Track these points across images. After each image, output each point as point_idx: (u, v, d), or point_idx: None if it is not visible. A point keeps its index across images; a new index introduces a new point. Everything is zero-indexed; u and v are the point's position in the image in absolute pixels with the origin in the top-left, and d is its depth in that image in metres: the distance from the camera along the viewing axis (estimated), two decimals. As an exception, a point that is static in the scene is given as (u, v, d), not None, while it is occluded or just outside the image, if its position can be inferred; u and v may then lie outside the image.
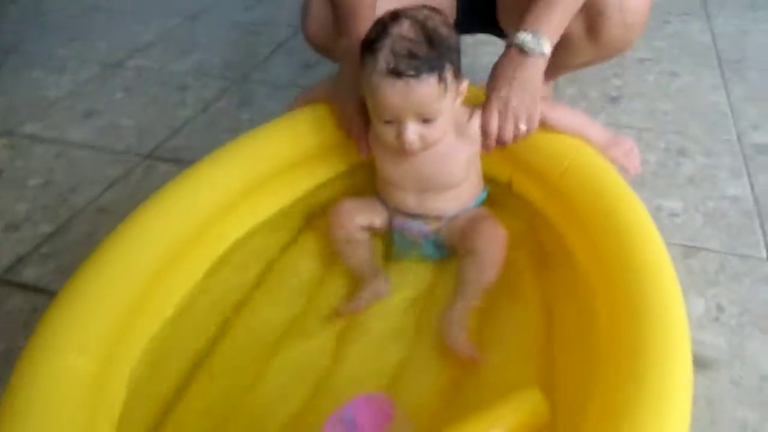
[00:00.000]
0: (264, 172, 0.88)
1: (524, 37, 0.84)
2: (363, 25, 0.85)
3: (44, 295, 0.96)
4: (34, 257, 1.05)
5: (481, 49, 1.54)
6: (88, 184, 1.22)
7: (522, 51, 0.84)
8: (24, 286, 0.98)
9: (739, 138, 1.26)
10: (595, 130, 0.89)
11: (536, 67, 0.85)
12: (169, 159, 1.28)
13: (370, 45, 0.75)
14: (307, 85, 0.99)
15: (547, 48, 0.85)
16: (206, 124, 1.40)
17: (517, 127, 0.85)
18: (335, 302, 0.82)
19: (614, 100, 1.40)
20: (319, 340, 0.78)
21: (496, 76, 0.86)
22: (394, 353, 0.77)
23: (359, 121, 0.88)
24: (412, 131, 0.77)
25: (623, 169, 0.87)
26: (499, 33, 1.13)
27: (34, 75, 1.68)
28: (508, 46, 0.86)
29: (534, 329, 0.76)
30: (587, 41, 0.97)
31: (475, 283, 0.81)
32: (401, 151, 0.80)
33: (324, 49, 1.10)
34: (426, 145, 0.80)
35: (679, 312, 0.61)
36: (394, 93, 0.74)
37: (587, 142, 0.86)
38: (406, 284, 0.85)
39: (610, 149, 0.88)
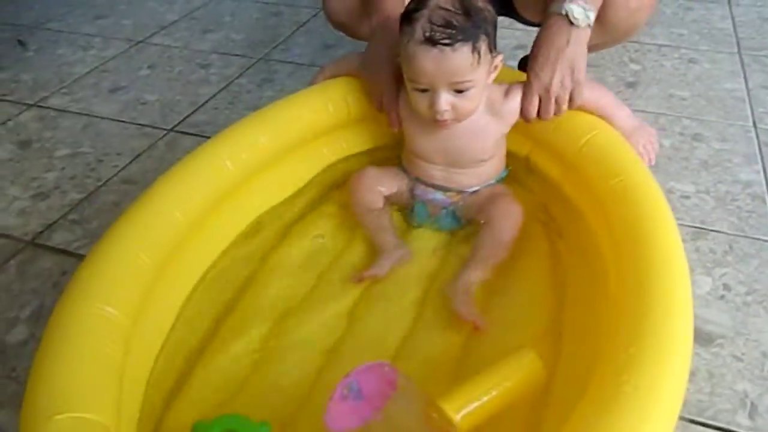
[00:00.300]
0: (289, 143, 0.91)
1: (571, 6, 0.82)
2: (390, 3, 0.87)
3: (73, 258, 1.00)
4: (63, 224, 1.09)
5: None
6: (114, 155, 1.26)
7: (569, 22, 0.83)
8: (53, 250, 1.02)
9: (755, 124, 1.26)
10: (623, 113, 0.90)
11: (583, 39, 0.85)
12: (191, 133, 1.32)
13: (408, 15, 0.79)
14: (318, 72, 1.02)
15: (593, 19, 0.84)
16: (228, 101, 1.43)
17: (558, 110, 0.87)
18: (354, 269, 0.85)
19: (631, 85, 1.41)
20: (336, 307, 0.81)
21: (539, 52, 0.85)
22: (407, 322, 0.80)
23: (391, 94, 0.90)
24: (445, 100, 0.80)
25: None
26: (515, 15, 1.14)
27: (59, 51, 1.72)
28: (551, 16, 0.84)
29: (545, 299, 0.79)
30: (594, 25, 0.98)
31: (488, 254, 0.84)
32: (433, 121, 0.83)
33: (345, 28, 1.12)
34: (458, 115, 0.82)
35: (683, 283, 0.63)
36: (428, 61, 0.77)
37: (611, 124, 0.87)
38: (423, 254, 0.88)
39: (632, 135, 0.90)
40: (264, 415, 0.65)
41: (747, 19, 1.69)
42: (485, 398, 0.62)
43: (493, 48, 0.81)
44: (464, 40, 0.76)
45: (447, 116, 0.82)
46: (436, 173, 0.91)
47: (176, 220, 0.72)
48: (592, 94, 0.88)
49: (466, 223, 0.92)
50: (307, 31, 1.75)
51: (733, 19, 1.69)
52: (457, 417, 0.60)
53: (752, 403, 0.75)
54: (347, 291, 0.83)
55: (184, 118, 1.37)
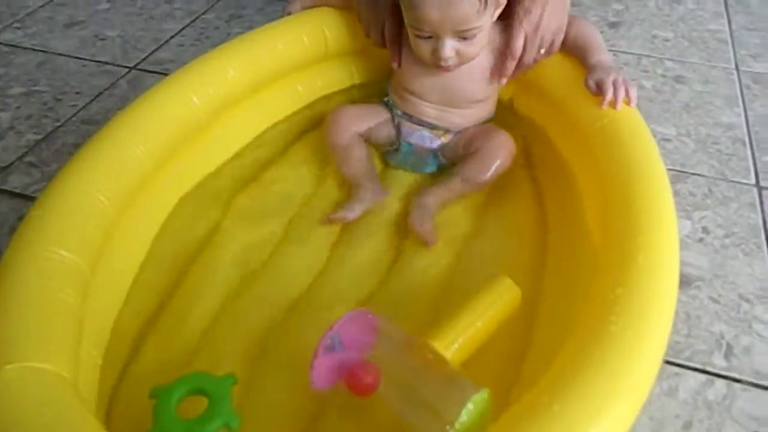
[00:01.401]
0: (260, 78, 0.86)
1: None
2: None
3: (30, 202, 0.94)
4: (19, 166, 1.03)
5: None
6: (73, 94, 1.19)
7: None
8: (9, 194, 0.97)
9: (737, 67, 1.24)
10: (605, 55, 0.87)
11: None
12: (155, 72, 1.24)
13: None
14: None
15: None
16: (194, 38, 1.35)
17: (539, 53, 0.83)
18: (328, 209, 0.82)
19: (614, 25, 1.36)
20: (306, 254, 0.78)
21: None
22: (383, 265, 0.78)
23: (393, 27, 0.85)
24: (450, 47, 0.76)
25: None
26: None
27: (10, -17, 1.60)
28: None
29: (526, 237, 0.78)
30: None
31: (468, 176, 0.82)
32: (436, 65, 0.79)
33: None
34: (462, 60, 0.79)
35: (670, 225, 0.62)
36: (432, 9, 0.73)
37: (590, 59, 0.84)
38: (404, 194, 0.85)
39: (608, 72, 0.86)
40: (231, 364, 0.63)
41: (732, -41, 1.64)
42: (471, 331, 0.61)
43: None
44: None
45: (451, 62, 0.79)
46: (429, 111, 0.87)
47: (137, 157, 0.67)
48: (585, 29, 0.85)
49: (447, 165, 0.89)
50: (278, -35, 1.65)
51: (718, -42, 1.64)
52: (447, 354, 0.59)
53: (728, 344, 0.76)
54: (317, 237, 0.79)
55: (148, 56, 1.29)
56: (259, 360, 0.66)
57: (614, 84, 0.77)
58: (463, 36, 0.76)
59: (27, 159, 1.04)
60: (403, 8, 0.78)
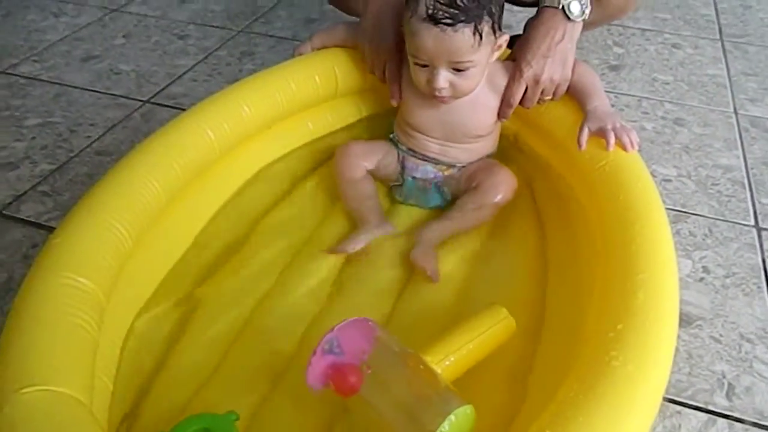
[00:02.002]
0: (273, 114, 0.88)
1: (571, 1, 0.82)
2: None
3: (43, 231, 0.97)
4: (33, 195, 1.05)
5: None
6: (87, 125, 1.22)
7: (565, 16, 0.83)
8: (23, 221, 0.99)
9: (735, 111, 1.27)
10: (605, 100, 0.89)
11: (576, 33, 0.85)
12: (168, 105, 1.28)
13: None
14: (304, 38, 0.99)
15: (588, 13, 0.84)
16: (207, 73, 1.39)
17: (541, 101, 0.86)
18: (334, 242, 0.83)
19: (615, 68, 1.40)
20: (315, 280, 0.79)
21: (531, 42, 0.84)
22: (389, 296, 0.79)
23: (394, 65, 0.88)
24: (444, 77, 0.79)
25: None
26: None
27: (29, 17, 1.65)
28: (546, 8, 0.84)
29: (529, 271, 0.80)
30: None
31: (469, 212, 0.84)
32: (431, 95, 0.82)
33: (342, 4, 1.09)
34: (456, 93, 0.82)
35: (670, 263, 0.63)
36: (429, 38, 0.75)
37: (589, 103, 0.86)
38: (410, 229, 0.87)
39: (607, 117, 0.88)
40: (240, 396, 0.65)
41: (729, 6, 1.70)
42: (463, 351, 0.63)
43: (497, 28, 0.79)
44: (466, 21, 0.74)
45: (445, 93, 0.81)
46: (432, 146, 0.90)
47: (154, 190, 0.69)
48: (585, 74, 0.87)
49: (452, 200, 0.91)
50: (289, 5, 1.71)
51: (715, 5, 1.70)
52: (438, 369, 0.61)
53: (729, 384, 0.76)
54: (323, 268, 0.81)
55: (161, 90, 1.33)
56: (269, 390, 0.67)
57: (614, 131, 0.79)
58: (457, 68, 0.78)
59: (40, 188, 1.06)
60: (405, 35, 0.81)
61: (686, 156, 1.14)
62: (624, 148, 0.78)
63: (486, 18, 0.76)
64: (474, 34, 0.75)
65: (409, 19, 0.78)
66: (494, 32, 0.78)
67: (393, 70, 0.88)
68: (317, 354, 0.59)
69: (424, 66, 0.79)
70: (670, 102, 1.29)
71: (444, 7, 0.74)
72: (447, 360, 0.62)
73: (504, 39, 0.81)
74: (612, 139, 0.78)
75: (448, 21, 0.74)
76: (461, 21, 0.74)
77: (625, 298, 0.58)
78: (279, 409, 0.65)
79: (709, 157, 1.14)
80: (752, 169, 1.11)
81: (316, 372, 0.59)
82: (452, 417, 0.54)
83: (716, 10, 1.68)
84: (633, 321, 0.56)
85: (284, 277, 0.79)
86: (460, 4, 0.74)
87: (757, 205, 1.03)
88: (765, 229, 0.98)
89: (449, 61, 0.78)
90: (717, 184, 1.07)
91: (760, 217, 1.01)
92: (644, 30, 1.56)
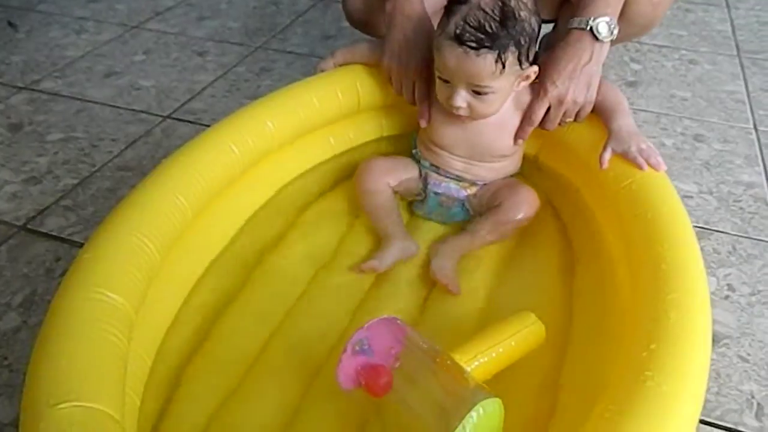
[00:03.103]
0: (297, 130, 0.89)
1: (597, 21, 0.82)
2: None
3: (66, 245, 0.98)
4: (56, 209, 1.06)
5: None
6: (109, 141, 1.23)
7: (594, 37, 0.82)
8: (46, 236, 1.00)
9: (755, 126, 1.26)
10: (630, 119, 0.87)
11: (603, 54, 0.85)
12: (188, 121, 1.29)
13: (450, 6, 0.78)
14: (325, 55, 0.99)
15: (616, 34, 0.83)
16: (225, 89, 1.40)
17: (563, 122, 0.86)
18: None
19: (632, 84, 1.40)
20: (341, 296, 0.80)
21: (558, 62, 0.83)
22: (414, 311, 0.80)
23: (423, 85, 0.88)
24: (462, 97, 0.80)
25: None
26: None
27: (51, 34, 1.68)
28: (574, 29, 0.83)
29: (554, 289, 0.80)
30: None
31: (490, 227, 0.85)
32: (450, 110, 0.82)
33: (366, 26, 1.10)
34: (473, 114, 0.82)
35: (701, 280, 0.63)
36: (452, 57, 0.76)
37: (613, 123, 0.85)
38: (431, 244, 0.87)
39: (631, 138, 0.87)
40: (268, 411, 0.65)
41: (745, 23, 1.70)
42: (492, 353, 0.64)
43: (524, 60, 0.78)
44: (491, 47, 0.75)
45: (462, 112, 0.82)
46: (456, 163, 0.90)
47: (180, 205, 0.70)
48: (609, 92, 0.87)
49: (474, 216, 0.91)
50: (306, 22, 1.72)
51: (731, 22, 1.70)
52: (467, 368, 0.61)
53: (758, 404, 0.75)
54: (348, 285, 0.81)
55: (181, 105, 1.34)
56: (302, 393, 0.68)
57: (640, 153, 0.79)
58: (476, 90, 0.79)
59: (63, 203, 1.07)
60: (434, 49, 0.81)
61: (707, 172, 1.13)
62: (657, 168, 0.78)
63: (512, 48, 0.76)
64: (497, 61, 0.76)
65: (438, 35, 0.79)
66: (520, 63, 0.78)
67: (422, 90, 0.88)
68: (347, 352, 0.60)
69: (446, 82, 0.80)
70: (689, 118, 1.29)
71: (472, 30, 0.74)
72: (476, 361, 0.63)
73: (533, 70, 0.81)
74: (643, 165, 0.77)
75: (473, 45, 0.74)
76: (485, 47, 0.74)
77: (656, 318, 0.57)
78: (316, 404, 0.66)
79: (730, 174, 1.13)
80: (774, 185, 1.10)
81: (346, 371, 0.60)
82: (480, 408, 0.55)
83: (732, 26, 1.68)
84: (666, 341, 0.55)
85: (309, 292, 0.79)
86: (489, 30, 0.74)
87: (781, 223, 1.02)
88: (789, 247, 0.97)
89: (468, 82, 0.78)
90: (739, 201, 1.07)
91: (783, 235, 1.00)
92: (660, 46, 1.56)
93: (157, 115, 1.31)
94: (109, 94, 1.39)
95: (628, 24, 0.96)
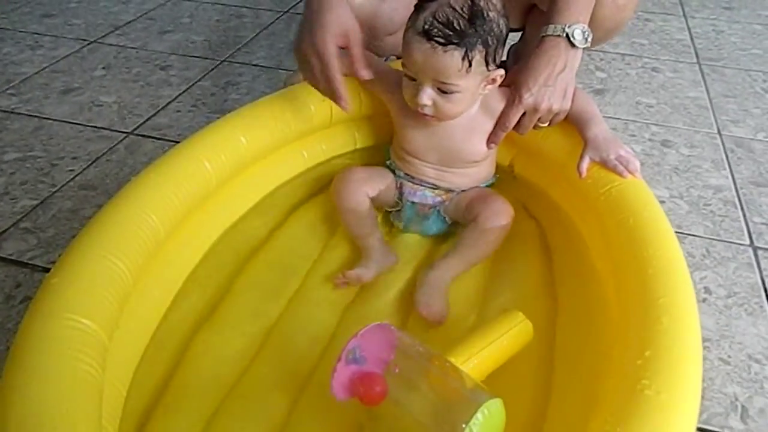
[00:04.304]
0: (270, 144, 0.87)
1: (573, 28, 0.82)
2: None
3: (27, 269, 0.92)
4: (14, 232, 1.00)
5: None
6: (69, 159, 1.18)
7: (569, 44, 0.82)
8: (5, 260, 0.94)
9: (719, 131, 1.29)
10: (603, 126, 0.88)
11: (578, 61, 0.85)
12: (153, 137, 1.25)
13: (420, 3, 0.77)
14: (293, 68, 0.97)
15: (590, 41, 0.84)
16: (191, 104, 1.37)
17: (537, 128, 0.86)
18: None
19: (599, 92, 1.42)
20: (323, 309, 0.78)
21: (533, 69, 0.83)
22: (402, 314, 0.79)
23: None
24: (427, 95, 0.79)
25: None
26: None
27: (5, 50, 1.61)
28: (548, 36, 0.83)
29: (537, 302, 0.78)
30: None
31: (470, 250, 0.82)
32: (415, 108, 0.81)
33: None
34: (438, 114, 0.81)
35: (687, 285, 0.62)
36: (418, 53, 0.76)
37: (588, 130, 0.85)
38: (411, 257, 0.86)
39: (607, 145, 0.85)
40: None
41: (702, 32, 1.75)
42: (484, 354, 0.64)
43: (491, 61, 0.78)
44: (458, 45, 0.74)
45: (427, 111, 0.81)
46: (428, 171, 0.89)
47: (152, 224, 0.66)
48: (582, 99, 0.87)
49: (452, 225, 0.90)
50: (271, 34, 1.70)
51: (689, 30, 1.75)
52: (463, 370, 0.61)
53: (743, 406, 0.76)
54: (329, 298, 0.79)
55: (145, 121, 1.30)
56: (293, 402, 0.66)
57: (619, 161, 0.79)
58: (442, 89, 0.78)
59: (22, 225, 1.02)
60: (402, 44, 0.79)
61: (677, 177, 1.15)
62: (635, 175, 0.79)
63: (479, 47, 0.76)
64: (463, 59, 0.75)
65: (406, 30, 0.78)
66: (487, 64, 0.78)
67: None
68: (341, 362, 0.59)
69: (412, 80, 0.79)
70: (655, 124, 1.31)
71: (440, 26, 0.74)
72: (469, 362, 0.62)
73: (498, 74, 0.81)
74: (624, 172, 0.78)
75: (441, 40, 0.74)
76: (453, 43, 0.74)
77: (649, 324, 0.57)
78: (305, 419, 0.64)
79: (699, 178, 1.15)
80: (741, 189, 1.13)
81: (340, 381, 0.59)
82: (485, 410, 0.54)
83: (690, 34, 1.73)
84: (660, 347, 0.54)
85: (291, 305, 0.77)
86: (457, 27, 0.74)
87: (750, 224, 1.04)
88: (761, 248, 0.99)
89: (435, 79, 0.77)
90: (709, 205, 1.08)
91: (754, 236, 1.02)
92: (624, 55, 1.60)
93: (120, 131, 1.27)
94: (68, 111, 1.34)
95: (594, 28, 0.96)
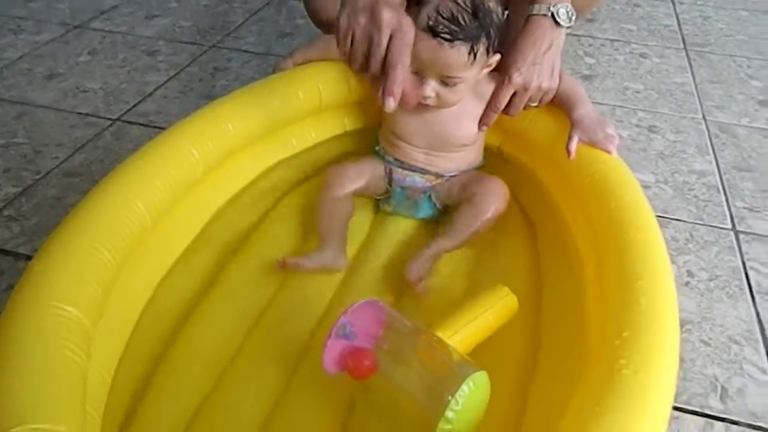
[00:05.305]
0: (258, 131, 0.87)
1: (557, 7, 0.83)
2: None
3: (10, 257, 0.92)
4: (-2, 219, 1.00)
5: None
6: (54, 146, 1.17)
7: (554, 22, 0.83)
8: (-12, 248, 0.94)
9: (704, 117, 1.30)
10: (589, 107, 0.89)
11: (562, 39, 0.85)
12: (140, 123, 1.24)
13: None
14: (282, 54, 0.96)
15: (574, 20, 0.84)
16: (179, 90, 1.36)
17: (528, 107, 0.87)
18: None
19: (587, 77, 1.43)
20: (313, 288, 0.79)
21: (520, 49, 0.84)
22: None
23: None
24: (431, 87, 0.79)
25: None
26: None
27: (-14, 35, 1.59)
28: (533, 16, 0.84)
29: (524, 285, 0.79)
30: None
31: (465, 226, 0.83)
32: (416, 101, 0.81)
33: (331, 25, 1.07)
34: (441, 103, 0.82)
35: (665, 267, 0.63)
36: (425, 49, 0.75)
37: (575, 112, 0.86)
38: (405, 238, 0.87)
39: (595, 126, 0.87)
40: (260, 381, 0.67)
41: (689, 17, 1.75)
42: (470, 327, 0.66)
43: (491, 50, 0.79)
44: (464, 39, 0.75)
45: (430, 102, 0.81)
46: (418, 155, 0.89)
47: (138, 211, 0.66)
48: (567, 81, 0.88)
49: (442, 210, 0.91)
50: (260, 20, 1.69)
51: (677, 16, 1.75)
52: (450, 344, 0.63)
53: (722, 387, 0.77)
54: (315, 285, 0.80)
55: (132, 107, 1.29)
56: (287, 378, 0.67)
57: (607, 139, 0.81)
58: (445, 81, 0.79)
59: (6, 213, 1.01)
60: None
61: (662, 162, 1.16)
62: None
63: (483, 39, 0.77)
64: (470, 53, 0.76)
65: None
66: (488, 53, 0.79)
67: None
68: (332, 338, 0.60)
69: (414, 73, 0.79)
70: (642, 110, 1.32)
71: (445, 22, 0.74)
72: (456, 336, 0.64)
73: (495, 59, 0.82)
74: (613, 151, 0.80)
75: (447, 36, 0.74)
76: (459, 38, 0.75)
77: (627, 306, 0.58)
78: (300, 395, 0.66)
79: (684, 163, 1.16)
80: (725, 174, 1.14)
81: (331, 356, 0.60)
82: (470, 382, 0.56)
83: (678, 20, 1.73)
84: (638, 328, 0.55)
85: (281, 290, 0.78)
86: (462, 22, 0.74)
87: (733, 209, 1.05)
88: (742, 232, 1.01)
89: (440, 73, 0.78)
90: (693, 189, 1.10)
91: (736, 220, 1.03)
92: (612, 40, 1.60)
93: (106, 118, 1.26)
94: (53, 97, 1.32)
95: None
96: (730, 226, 1.02)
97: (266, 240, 0.84)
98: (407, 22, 0.69)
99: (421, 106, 0.83)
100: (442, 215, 0.91)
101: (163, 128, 0.82)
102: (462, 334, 0.64)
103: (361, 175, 0.89)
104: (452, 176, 0.90)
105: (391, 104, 0.68)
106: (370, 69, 0.69)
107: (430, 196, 0.90)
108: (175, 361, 0.68)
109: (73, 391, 0.48)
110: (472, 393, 0.56)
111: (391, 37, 0.67)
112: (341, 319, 0.61)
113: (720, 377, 0.78)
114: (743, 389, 0.77)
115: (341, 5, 0.71)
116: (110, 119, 1.25)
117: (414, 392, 0.58)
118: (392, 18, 0.67)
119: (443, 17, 0.74)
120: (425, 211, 0.91)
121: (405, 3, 0.76)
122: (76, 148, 1.17)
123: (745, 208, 1.06)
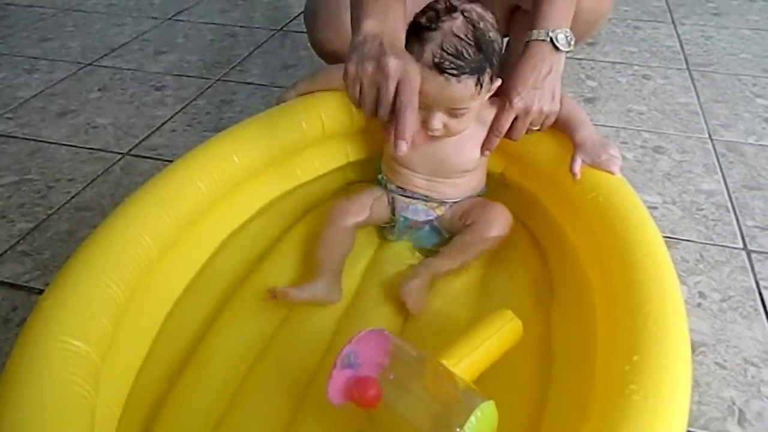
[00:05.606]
0: (263, 162, 0.88)
1: (556, 33, 0.84)
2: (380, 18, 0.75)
3: (23, 292, 0.93)
4: (12, 255, 1.01)
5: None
6: (66, 181, 1.19)
7: (554, 47, 0.84)
8: (1, 284, 0.95)
9: (710, 136, 1.30)
10: (591, 129, 0.89)
11: (561, 65, 0.86)
12: (149, 157, 1.26)
13: (420, 32, 0.76)
14: (286, 85, 0.98)
15: (573, 45, 0.86)
16: (186, 123, 1.38)
17: (529, 132, 0.87)
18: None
19: (590, 100, 1.43)
20: (319, 317, 0.79)
21: (520, 74, 0.85)
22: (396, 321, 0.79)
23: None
24: (439, 119, 0.80)
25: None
26: None
27: (1, 75, 1.63)
28: (532, 41, 0.85)
29: (531, 312, 0.78)
30: None
31: (462, 248, 0.83)
32: (426, 132, 0.82)
33: (336, 54, 1.09)
34: (448, 134, 0.83)
35: (674, 289, 0.63)
36: (432, 85, 0.75)
37: (577, 135, 0.87)
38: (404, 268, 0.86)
39: (597, 148, 0.86)
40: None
41: (691, 37, 1.76)
42: (475, 354, 0.65)
43: (494, 77, 0.80)
44: (470, 73, 0.76)
45: (437, 133, 0.82)
46: (419, 181, 0.90)
47: (145, 244, 0.67)
48: (568, 104, 0.89)
49: (447, 237, 0.91)
50: (265, 52, 1.72)
51: (678, 37, 1.76)
52: (456, 372, 0.62)
53: (740, 410, 0.75)
54: (320, 316, 0.80)
55: (140, 141, 1.31)
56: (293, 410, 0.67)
57: (611, 161, 0.81)
58: (453, 113, 0.80)
59: (19, 248, 1.03)
60: None
61: (669, 183, 1.16)
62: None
63: (488, 70, 0.78)
64: (476, 84, 0.77)
65: None
66: (492, 80, 0.80)
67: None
68: (336, 368, 0.60)
69: (421, 109, 0.79)
70: (647, 131, 1.32)
71: (451, 58, 0.75)
72: (461, 363, 0.63)
73: (496, 84, 0.83)
74: (616, 171, 0.81)
75: (454, 72, 0.75)
76: (466, 73, 0.75)
77: (636, 330, 0.57)
78: (307, 424, 0.65)
79: (692, 183, 1.16)
80: (734, 192, 1.13)
81: (336, 387, 0.60)
82: (478, 412, 0.56)
83: (680, 41, 1.74)
84: (647, 352, 0.55)
85: (289, 321, 0.78)
86: (467, 56, 0.75)
87: (743, 228, 1.05)
88: (754, 252, 1.00)
89: (447, 107, 0.79)
90: (702, 209, 1.09)
91: (747, 240, 1.02)
92: (614, 63, 1.61)
93: (115, 152, 1.28)
94: (65, 134, 1.35)
95: (575, 20, 0.94)
96: (741, 245, 1.01)
97: (272, 270, 0.85)
98: (413, 69, 0.70)
99: (427, 136, 0.83)
100: (445, 244, 0.91)
101: (171, 161, 0.83)
102: (467, 361, 0.64)
103: (363, 209, 0.89)
104: (454, 202, 0.90)
105: (403, 148, 0.69)
106: (380, 115, 0.71)
107: (435, 225, 0.90)
108: (183, 392, 0.67)
109: (81, 424, 0.48)
110: (480, 423, 0.56)
111: (398, 84, 0.68)
112: (346, 348, 0.61)
113: (737, 400, 0.77)
114: (762, 413, 0.75)
115: (349, 53, 0.72)
116: (120, 153, 1.27)
117: (420, 422, 0.58)
118: (399, 66, 0.68)
119: (448, 53, 0.74)
120: (429, 240, 0.91)
121: (404, 39, 0.77)
122: (87, 182, 1.18)
123: (756, 226, 1.05)
